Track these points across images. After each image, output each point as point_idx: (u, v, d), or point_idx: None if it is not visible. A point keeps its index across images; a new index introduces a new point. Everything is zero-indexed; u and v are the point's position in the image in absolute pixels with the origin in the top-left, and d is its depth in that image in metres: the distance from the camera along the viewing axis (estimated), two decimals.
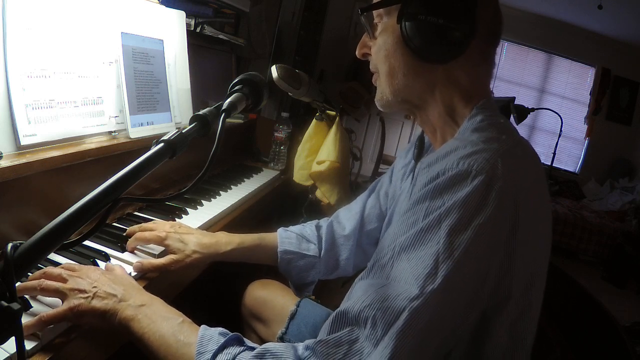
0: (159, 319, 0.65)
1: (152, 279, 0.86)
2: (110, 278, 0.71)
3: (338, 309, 0.57)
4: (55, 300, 0.68)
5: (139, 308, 0.66)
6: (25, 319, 0.62)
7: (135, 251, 0.91)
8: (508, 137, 0.63)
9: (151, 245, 0.93)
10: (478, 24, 0.65)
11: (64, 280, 0.68)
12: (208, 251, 0.94)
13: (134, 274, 0.84)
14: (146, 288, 0.83)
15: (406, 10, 0.66)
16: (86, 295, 0.66)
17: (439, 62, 0.68)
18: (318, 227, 1.08)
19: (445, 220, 0.55)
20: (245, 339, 0.62)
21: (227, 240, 0.98)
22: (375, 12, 0.72)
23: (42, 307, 0.67)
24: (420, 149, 0.86)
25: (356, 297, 0.56)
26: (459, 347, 0.60)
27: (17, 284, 0.68)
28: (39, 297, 0.69)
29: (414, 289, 0.53)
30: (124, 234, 0.94)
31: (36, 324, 0.62)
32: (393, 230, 0.61)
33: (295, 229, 1.08)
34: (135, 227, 0.95)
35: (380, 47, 0.72)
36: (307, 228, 1.08)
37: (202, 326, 0.63)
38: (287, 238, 1.04)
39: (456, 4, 0.65)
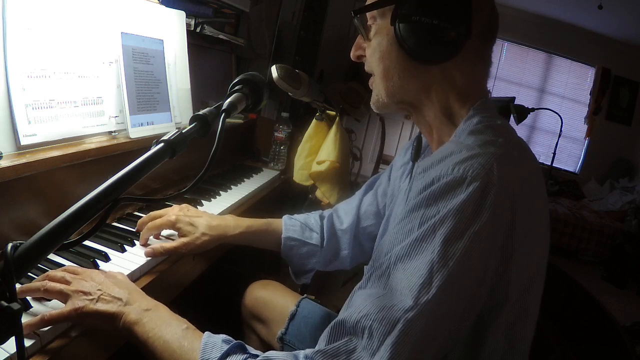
0: (164, 324, 0.65)
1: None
2: (115, 282, 0.71)
3: (336, 318, 0.57)
4: (58, 302, 0.68)
5: (144, 312, 0.66)
6: (25, 319, 0.62)
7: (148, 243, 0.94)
8: (505, 140, 0.62)
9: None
10: (473, 24, 0.64)
11: (68, 283, 0.68)
12: (217, 233, 0.96)
13: (146, 259, 0.86)
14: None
15: (400, 12, 0.65)
16: (91, 297, 0.66)
17: (434, 62, 0.67)
18: (322, 217, 1.10)
19: (440, 229, 0.55)
20: (247, 347, 0.62)
21: (236, 224, 1.01)
22: (369, 14, 0.71)
23: (43, 307, 0.67)
24: (418, 149, 0.86)
25: (354, 307, 0.56)
26: (455, 350, 0.60)
27: (20, 285, 0.68)
28: (40, 297, 0.68)
29: (408, 300, 0.53)
30: (135, 230, 0.96)
31: (38, 323, 0.62)
32: (390, 238, 0.61)
33: (299, 217, 1.10)
34: (145, 217, 0.96)
35: (375, 49, 0.71)
36: (312, 217, 1.10)
37: (206, 333, 0.63)
38: (291, 225, 1.07)
39: (450, 4, 0.64)
